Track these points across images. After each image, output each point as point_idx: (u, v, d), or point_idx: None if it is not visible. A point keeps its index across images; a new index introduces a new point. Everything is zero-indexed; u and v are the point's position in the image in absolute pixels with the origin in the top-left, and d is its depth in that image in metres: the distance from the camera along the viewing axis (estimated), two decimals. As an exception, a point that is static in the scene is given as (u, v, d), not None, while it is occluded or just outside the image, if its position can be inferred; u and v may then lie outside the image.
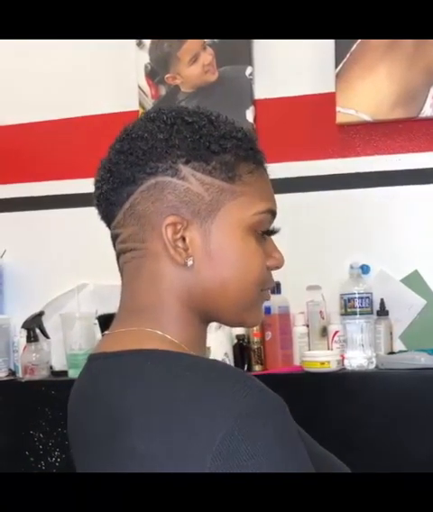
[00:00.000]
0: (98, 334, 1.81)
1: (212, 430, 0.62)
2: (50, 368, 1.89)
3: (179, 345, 0.73)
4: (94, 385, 0.74)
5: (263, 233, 0.75)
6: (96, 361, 0.75)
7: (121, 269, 0.77)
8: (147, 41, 1.92)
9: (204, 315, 0.75)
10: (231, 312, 0.75)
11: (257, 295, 0.75)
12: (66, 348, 1.84)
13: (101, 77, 1.98)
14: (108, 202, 0.75)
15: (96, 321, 1.80)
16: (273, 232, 0.77)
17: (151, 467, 0.64)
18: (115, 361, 0.72)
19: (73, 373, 1.82)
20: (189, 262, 0.72)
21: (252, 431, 0.62)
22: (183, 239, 0.72)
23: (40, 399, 1.78)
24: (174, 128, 0.73)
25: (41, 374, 1.85)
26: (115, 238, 0.76)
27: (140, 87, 1.94)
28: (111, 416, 0.69)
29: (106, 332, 0.77)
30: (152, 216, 0.72)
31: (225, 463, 0.61)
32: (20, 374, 1.87)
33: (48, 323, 1.90)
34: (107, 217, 0.76)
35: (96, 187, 0.76)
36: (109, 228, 0.77)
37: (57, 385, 1.80)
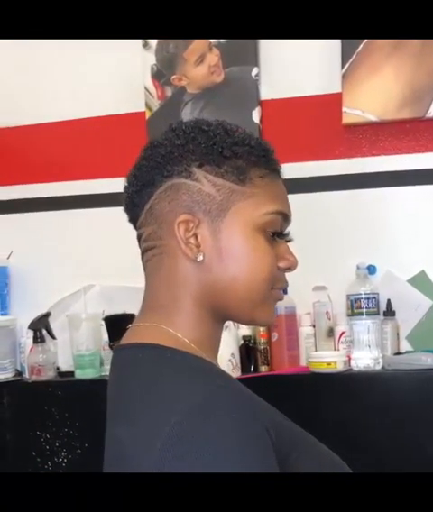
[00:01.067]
0: (105, 335, 1.82)
1: (166, 421, 0.66)
2: (57, 368, 1.90)
3: (183, 342, 0.77)
4: (110, 374, 0.81)
5: (274, 233, 0.79)
6: (114, 353, 0.82)
7: (144, 267, 0.82)
8: (153, 42, 1.92)
9: (217, 312, 0.79)
10: (241, 309, 0.79)
11: (266, 292, 0.79)
12: (72, 349, 1.84)
13: (107, 78, 1.98)
14: (133, 204, 0.81)
15: (103, 322, 1.81)
16: (283, 235, 0.80)
17: (121, 452, 0.71)
18: (121, 353, 0.79)
19: (80, 374, 1.82)
20: (200, 257, 0.77)
21: (198, 426, 0.66)
22: (196, 236, 0.77)
23: (46, 400, 1.78)
24: (190, 135, 0.79)
25: (48, 375, 1.85)
26: (139, 237, 0.82)
27: (146, 88, 1.94)
28: (112, 404, 0.77)
29: (130, 325, 0.83)
30: (169, 215, 0.78)
31: (172, 453, 0.65)
32: (26, 375, 1.88)
33: (54, 323, 1.91)
34: (133, 219, 0.82)
35: (125, 193, 0.82)
36: (136, 229, 0.83)
37: (63, 386, 1.80)
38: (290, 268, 0.81)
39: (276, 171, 0.81)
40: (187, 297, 0.78)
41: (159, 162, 0.79)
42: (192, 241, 0.77)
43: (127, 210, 0.83)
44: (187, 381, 0.71)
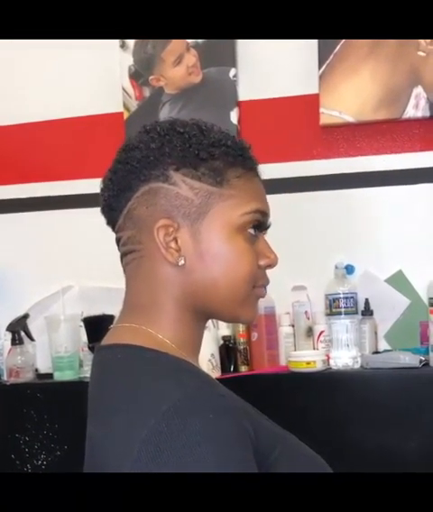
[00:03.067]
0: (84, 336, 1.81)
1: (143, 422, 0.66)
2: (36, 370, 1.89)
3: (164, 343, 0.77)
4: (90, 374, 0.82)
5: (255, 227, 0.79)
6: (95, 353, 0.82)
7: (124, 271, 0.82)
8: (131, 43, 1.92)
9: (198, 312, 0.80)
10: (224, 308, 0.79)
11: (248, 291, 0.79)
12: (51, 350, 1.83)
13: (85, 78, 1.97)
14: (110, 208, 0.81)
15: (82, 323, 1.80)
16: (264, 227, 0.81)
17: (98, 452, 0.72)
18: (100, 353, 0.80)
19: (58, 376, 1.81)
20: (181, 262, 0.77)
21: (176, 427, 0.66)
22: (175, 240, 0.77)
23: (25, 402, 1.77)
24: (166, 138, 0.78)
25: (27, 377, 1.84)
26: (118, 241, 0.82)
27: (124, 89, 1.93)
28: (92, 402, 0.77)
29: (111, 326, 0.83)
30: (147, 220, 0.78)
31: (150, 456, 0.65)
32: (5, 377, 1.86)
33: (33, 325, 1.89)
34: (111, 222, 0.82)
35: (101, 196, 0.82)
36: (114, 232, 0.83)
37: (42, 388, 1.79)
38: (271, 265, 0.81)
39: (253, 170, 0.81)
40: (168, 299, 0.78)
41: (135, 166, 0.78)
42: (172, 245, 0.77)
43: (105, 213, 0.83)
44: (165, 382, 0.71)
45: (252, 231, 0.79)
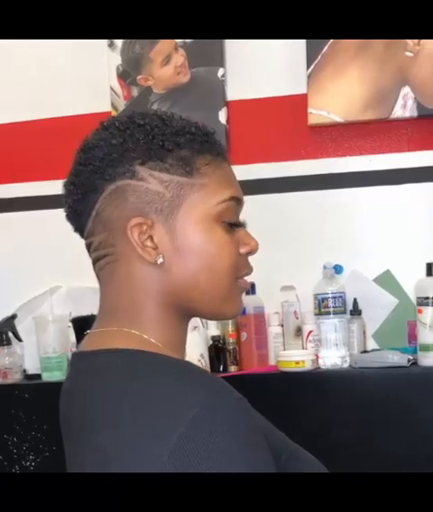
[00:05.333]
0: (72, 337, 1.80)
1: (169, 429, 0.63)
2: (24, 371, 1.88)
3: (156, 345, 0.74)
4: (74, 382, 0.76)
5: (231, 224, 0.76)
6: (77, 360, 0.78)
7: (97, 276, 0.79)
8: (118, 42, 1.91)
9: (181, 311, 0.76)
10: (207, 304, 0.76)
11: (231, 284, 0.76)
12: (39, 351, 1.82)
13: (73, 78, 1.96)
14: (76, 213, 0.77)
15: (70, 323, 1.79)
16: (239, 224, 0.77)
17: (117, 464, 0.66)
18: (90, 360, 0.74)
19: (47, 376, 1.81)
20: (159, 260, 0.73)
21: (207, 431, 0.63)
22: (151, 238, 0.73)
23: (13, 403, 1.76)
24: (127, 132, 0.74)
25: (15, 378, 1.83)
26: (88, 247, 0.78)
27: (112, 89, 1.93)
28: (84, 413, 0.72)
29: (88, 331, 0.79)
30: (118, 221, 0.74)
31: (181, 462, 0.62)
32: (-7, 378, 1.86)
33: (21, 326, 1.89)
34: (79, 228, 0.78)
35: (65, 202, 0.78)
36: (84, 239, 0.79)
37: (30, 388, 1.78)
38: (252, 251, 0.77)
39: (221, 155, 0.77)
40: (148, 300, 0.74)
41: (97, 166, 0.74)
42: (148, 243, 0.73)
43: (71, 220, 0.78)
44: (182, 387, 0.67)
45: (229, 225, 0.75)
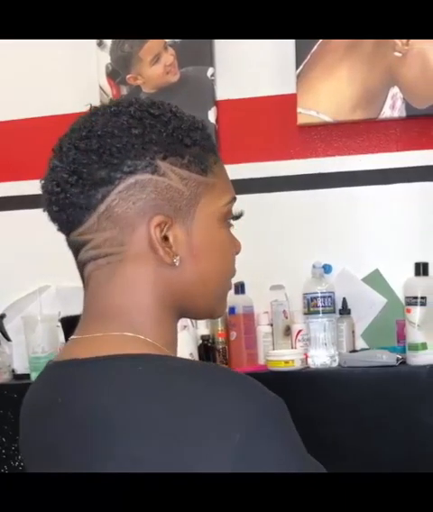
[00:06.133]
0: (61, 337, 1.79)
1: (228, 435, 0.61)
2: (13, 371, 1.87)
3: (161, 348, 0.70)
4: (65, 392, 0.69)
5: (232, 218, 0.74)
6: (68, 368, 0.70)
7: (87, 277, 0.72)
8: (108, 42, 1.91)
9: (178, 311, 0.73)
10: (205, 304, 0.74)
11: (230, 284, 0.76)
12: (28, 351, 1.82)
13: (62, 77, 1.96)
14: (76, 206, 0.69)
15: (59, 323, 1.78)
16: (239, 216, 0.76)
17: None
18: (97, 367, 0.67)
19: (35, 376, 1.80)
20: (177, 262, 0.69)
21: (267, 433, 0.62)
22: (166, 238, 0.69)
23: (2, 403, 1.76)
24: (145, 122, 0.69)
25: (3, 378, 1.83)
26: (82, 245, 0.71)
27: (101, 88, 1.92)
28: (104, 424, 0.65)
29: (73, 337, 0.73)
30: (134, 217, 0.68)
31: (249, 467, 0.60)
32: (-19, 378, 1.85)
33: (9, 325, 1.88)
34: (71, 223, 0.70)
35: (54, 192, 0.70)
36: (68, 235, 0.72)
37: (19, 388, 1.77)
38: (239, 252, 0.76)
39: (217, 153, 0.75)
40: (152, 302, 0.70)
41: (115, 156, 0.67)
42: (167, 244, 0.69)
43: (60, 213, 0.70)
44: (223, 389, 0.64)
45: (230, 221, 0.74)
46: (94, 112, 0.73)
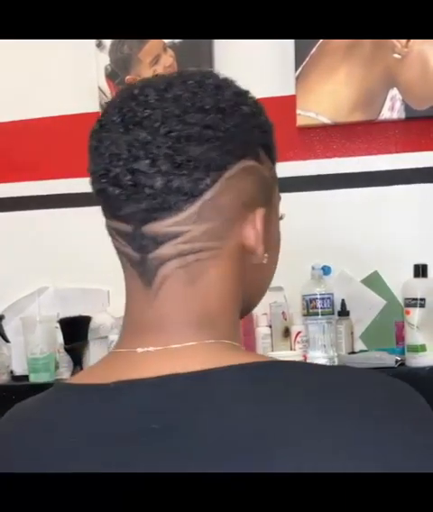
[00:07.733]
0: (60, 338, 1.79)
1: (425, 430, 0.58)
2: (11, 372, 1.87)
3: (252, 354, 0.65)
4: (178, 413, 0.55)
5: None
6: (169, 385, 0.55)
7: (162, 276, 0.59)
8: (107, 43, 1.91)
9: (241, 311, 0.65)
10: (256, 304, 0.68)
11: None
12: (27, 352, 1.82)
13: (61, 78, 1.96)
14: (179, 193, 0.56)
15: (58, 324, 1.78)
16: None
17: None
18: (225, 379, 0.55)
19: (34, 377, 1.80)
20: (265, 260, 0.63)
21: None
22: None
23: (0, 404, 1.75)
24: (250, 101, 0.61)
25: (2, 379, 1.82)
26: (170, 237, 0.58)
27: (100, 89, 1.92)
28: (246, 441, 0.53)
29: (143, 349, 0.58)
30: (235, 209, 0.59)
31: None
32: (-21, 379, 1.85)
33: (8, 326, 1.88)
34: (161, 211, 0.57)
35: (141, 172, 0.56)
36: (142, 225, 0.57)
37: (18, 390, 1.77)
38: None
39: None
40: (234, 304, 0.61)
41: (232, 136, 0.57)
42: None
43: (140, 199, 0.56)
44: (379, 390, 0.60)
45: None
46: (173, 76, 0.64)
